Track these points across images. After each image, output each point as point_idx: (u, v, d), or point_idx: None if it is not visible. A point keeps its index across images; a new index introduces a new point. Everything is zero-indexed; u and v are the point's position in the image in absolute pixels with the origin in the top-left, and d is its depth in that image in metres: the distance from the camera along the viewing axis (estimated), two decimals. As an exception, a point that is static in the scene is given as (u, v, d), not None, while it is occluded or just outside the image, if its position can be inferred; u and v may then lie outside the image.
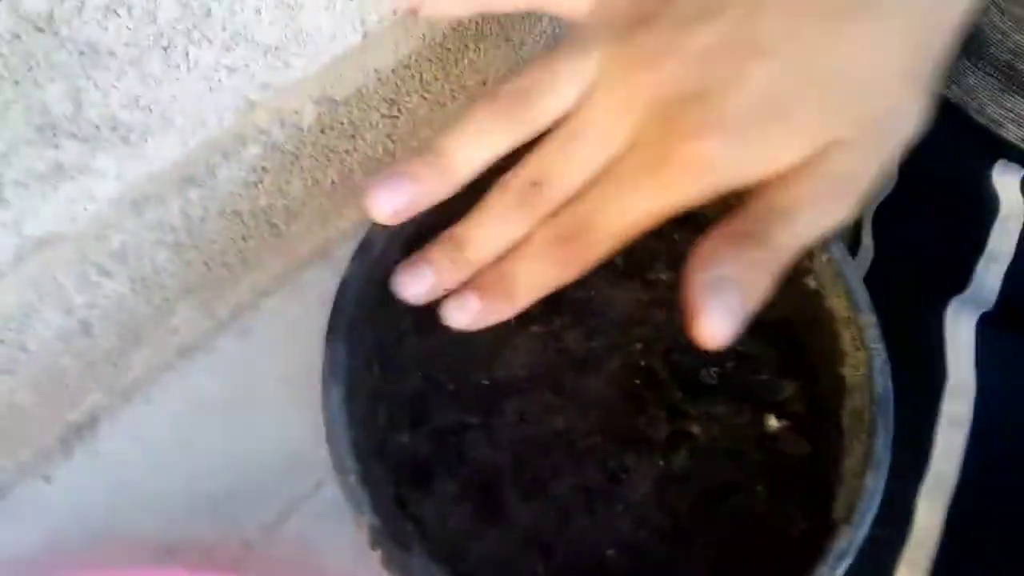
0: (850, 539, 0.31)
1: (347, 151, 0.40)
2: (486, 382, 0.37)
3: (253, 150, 0.35)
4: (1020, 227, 0.36)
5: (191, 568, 0.40)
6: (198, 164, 0.34)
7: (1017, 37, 0.36)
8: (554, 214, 0.28)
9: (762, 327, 0.39)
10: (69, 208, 0.31)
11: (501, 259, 0.29)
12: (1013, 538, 0.33)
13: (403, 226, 0.35)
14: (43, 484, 0.41)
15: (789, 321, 0.38)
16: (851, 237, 0.45)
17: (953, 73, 0.38)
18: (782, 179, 0.26)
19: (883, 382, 0.33)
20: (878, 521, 0.35)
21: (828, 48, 0.26)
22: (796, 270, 0.37)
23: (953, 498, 0.34)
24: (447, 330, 0.38)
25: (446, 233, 0.30)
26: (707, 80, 0.26)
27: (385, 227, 0.34)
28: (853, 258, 0.42)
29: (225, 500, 0.41)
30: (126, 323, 0.38)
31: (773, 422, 0.37)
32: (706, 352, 0.38)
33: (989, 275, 0.36)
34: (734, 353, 0.38)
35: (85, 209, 0.31)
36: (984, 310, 0.36)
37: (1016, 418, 0.34)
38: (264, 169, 0.36)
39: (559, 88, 0.28)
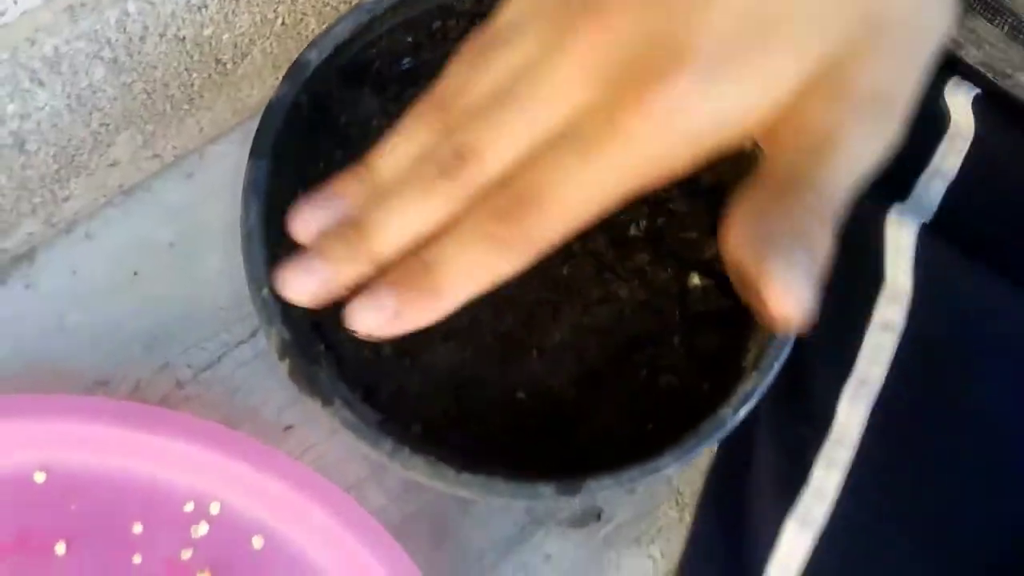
0: (755, 384, 0.31)
1: (298, -12, 0.39)
2: None
3: (195, -33, 0.35)
4: (967, 147, 0.35)
5: (120, 400, 0.40)
6: (136, -28, 0.33)
7: None
8: (488, 191, 0.23)
9: (696, 188, 0.39)
10: (-2, -2, 0.30)
11: (422, 247, 0.24)
12: (934, 446, 0.33)
13: (338, 50, 0.34)
14: (-25, 309, 0.41)
15: (724, 183, 0.38)
16: None
17: None
18: (799, 116, 0.22)
19: None
20: (800, 418, 0.35)
21: None
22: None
23: (876, 401, 0.33)
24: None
25: (344, 217, 0.24)
26: (667, 14, 0.22)
27: (320, 49, 0.33)
28: None
29: (160, 340, 0.42)
30: (62, 145, 0.38)
31: (696, 280, 0.37)
32: (636, 209, 0.39)
33: (930, 189, 0.36)
34: (666, 210, 0.38)
35: (15, 2, 0.31)
36: (924, 220, 0.35)
37: (948, 328, 0.34)
38: (208, -8, 0.36)
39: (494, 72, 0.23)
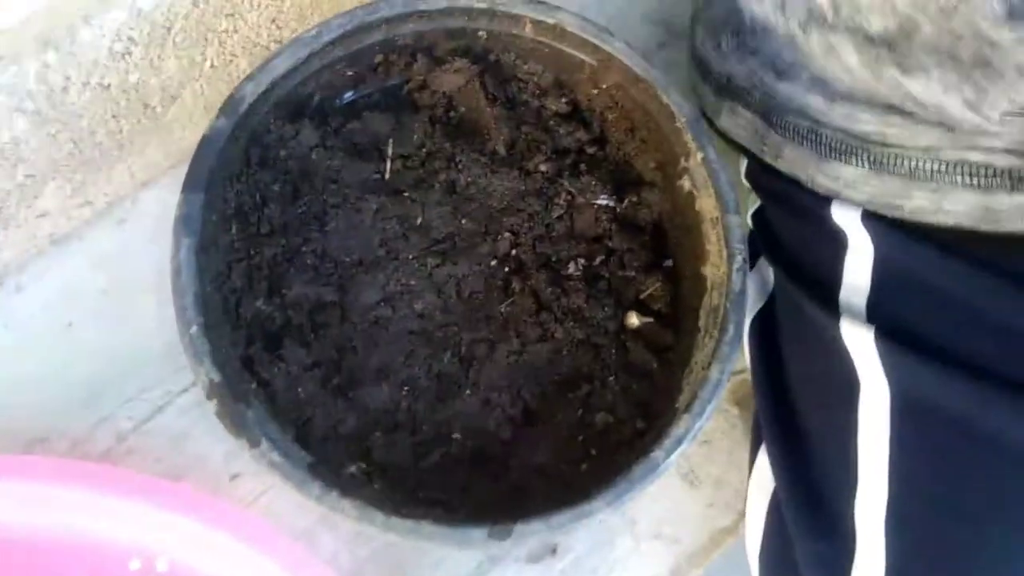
0: (688, 427, 0.31)
1: (226, 31, 0.38)
2: (347, 259, 0.36)
3: (117, 15, 0.34)
4: (871, 260, 0.36)
5: (61, 457, 0.39)
6: (56, 23, 0.32)
7: (808, 99, 0.35)
8: None
9: (635, 228, 0.39)
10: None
11: None
12: (956, 537, 0.33)
13: (275, 84, 0.34)
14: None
15: (662, 223, 0.38)
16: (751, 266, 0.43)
17: (772, 146, 0.38)
18: None
19: (740, 280, 0.33)
20: (821, 536, 0.35)
21: None
22: (674, 171, 0.38)
23: (888, 509, 0.34)
24: (313, 200, 0.37)
25: None
26: None
27: (257, 82, 0.33)
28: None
29: (98, 392, 0.40)
30: (-13, 199, 0.37)
31: (634, 319, 0.37)
32: (575, 246, 0.39)
33: (852, 305, 0.36)
34: (604, 249, 0.38)
35: (-73, 61, 0.30)
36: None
37: (935, 428, 0.34)
38: (132, 40, 0.35)
39: None
